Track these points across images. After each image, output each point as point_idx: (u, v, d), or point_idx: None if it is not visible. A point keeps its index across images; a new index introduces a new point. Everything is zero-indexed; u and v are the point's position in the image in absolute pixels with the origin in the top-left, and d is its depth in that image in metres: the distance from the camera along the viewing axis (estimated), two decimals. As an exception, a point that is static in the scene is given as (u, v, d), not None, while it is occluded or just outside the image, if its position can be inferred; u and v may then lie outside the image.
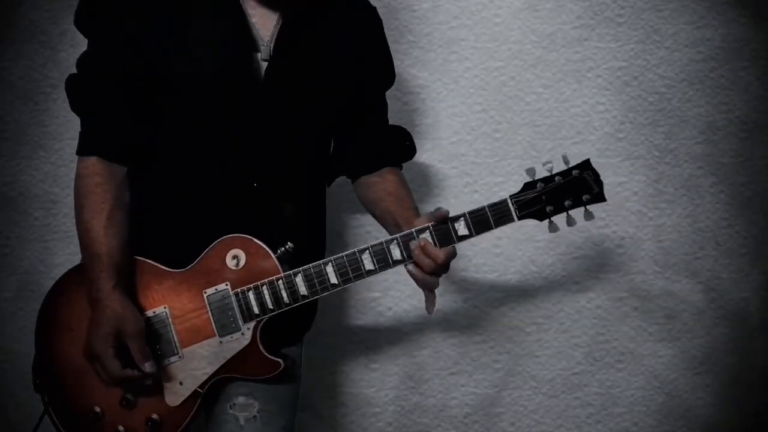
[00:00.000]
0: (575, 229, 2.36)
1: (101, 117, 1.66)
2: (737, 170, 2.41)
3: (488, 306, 2.41)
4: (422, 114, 2.35)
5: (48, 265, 2.28)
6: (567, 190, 1.62)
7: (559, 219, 1.64)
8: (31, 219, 2.30)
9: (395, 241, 1.63)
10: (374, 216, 1.87)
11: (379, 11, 2.15)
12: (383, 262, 1.64)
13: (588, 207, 1.64)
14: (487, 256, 2.39)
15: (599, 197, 1.64)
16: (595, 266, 2.41)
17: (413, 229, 1.63)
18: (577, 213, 1.64)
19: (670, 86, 2.37)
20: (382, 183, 1.84)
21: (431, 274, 1.63)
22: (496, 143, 2.36)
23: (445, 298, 2.39)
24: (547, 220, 1.64)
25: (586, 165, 1.64)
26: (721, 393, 2.46)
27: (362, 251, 1.64)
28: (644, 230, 2.41)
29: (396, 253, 1.63)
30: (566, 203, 1.63)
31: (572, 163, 1.63)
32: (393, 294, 2.38)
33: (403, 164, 1.93)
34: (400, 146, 1.91)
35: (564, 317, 2.42)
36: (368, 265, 1.63)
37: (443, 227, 1.62)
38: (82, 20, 1.70)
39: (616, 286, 2.42)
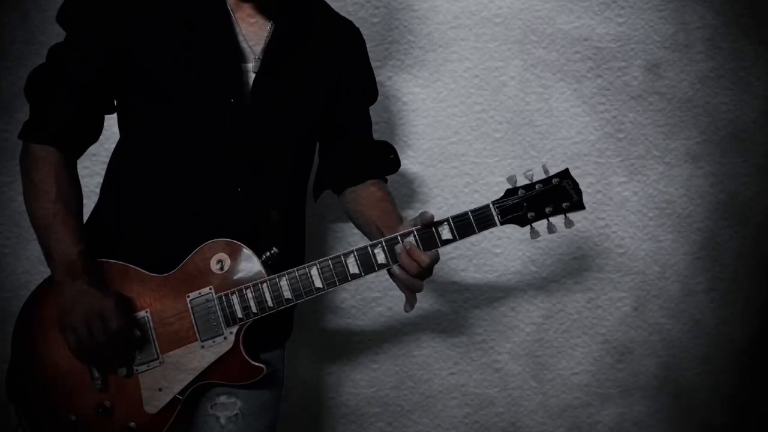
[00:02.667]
0: (575, 229, 2.37)
1: (63, 109, 1.65)
2: (737, 170, 2.41)
3: (488, 306, 2.41)
4: (422, 114, 2.35)
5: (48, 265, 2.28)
6: (547, 197, 1.65)
7: (541, 226, 1.65)
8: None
9: (380, 244, 1.63)
10: (358, 227, 1.87)
11: (379, 11, 2.15)
12: (368, 265, 1.64)
13: (568, 215, 1.66)
14: (487, 256, 2.39)
15: (578, 206, 1.66)
16: (595, 266, 2.41)
17: (398, 234, 1.63)
18: (558, 221, 1.66)
19: (670, 86, 2.37)
20: (365, 194, 1.84)
21: (416, 277, 1.64)
22: (496, 143, 2.36)
23: (445, 298, 2.40)
24: (529, 226, 1.66)
25: (565, 174, 1.66)
26: (721, 393, 2.47)
27: (347, 254, 1.63)
28: (644, 230, 2.41)
29: (380, 256, 1.63)
30: (547, 210, 1.65)
31: (552, 172, 1.66)
32: (393, 294, 2.38)
33: (388, 177, 1.92)
34: (383, 159, 1.91)
35: (564, 317, 2.42)
36: (353, 268, 1.63)
37: (427, 231, 1.62)
38: (66, 17, 1.68)
39: (616, 286, 2.42)
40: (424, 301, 2.38)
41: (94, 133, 1.72)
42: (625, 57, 2.34)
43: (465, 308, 2.40)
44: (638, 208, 2.39)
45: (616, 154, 2.37)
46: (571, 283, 2.40)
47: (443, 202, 2.35)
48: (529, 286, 2.40)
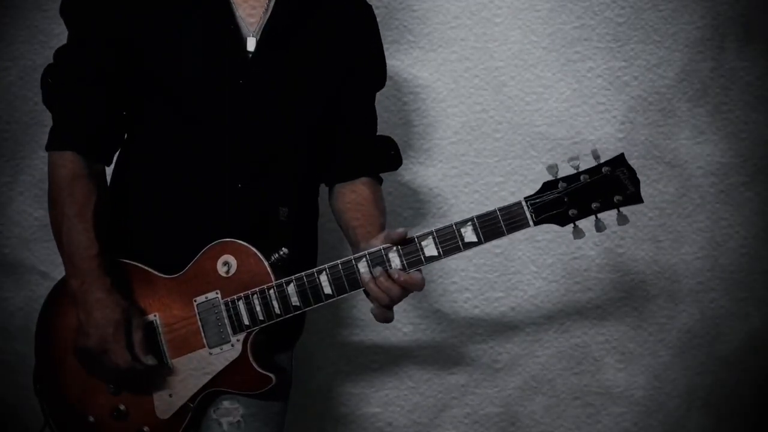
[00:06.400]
0: (575, 229, 2.37)
1: (78, 112, 1.61)
2: (737, 170, 2.41)
3: (488, 306, 2.41)
4: (422, 114, 2.34)
5: (48, 265, 2.27)
6: (595, 190, 1.43)
7: (586, 223, 1.45)
8: (31, 219, 2.29)
9: (394, 249, 1.49)
10: (340, 228, 1.76)
11: (379, 11, 2.14)
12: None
13: (621, 209, 1.44)
14: (487, 256, 2.38)
15: (635, 198, 1.44)
16: (595, 266, 2.41)
17: (381, 247, 1.48)
18: (609, 216, 1.46)
19: (670, 86, 2.37)
20: (351, 193, 1.74)
21: (386, 306, 1.50)
22: (496, 143, 2.36)
23: (445, 298, 2.39)
24: (571, 224, 1.45)
25: (619, 161, 1.45)
26: (721, 393, 2.46)
27: (359, 259, 1.51)
28: (644, 231, 2.41)
29: (396, 262, 1.49)
30: (593, 206, 1.43)
31: (603, 159, 1.44)
32: (393, 294, 2.37)
33: (392, 172, 1.84)
34: (381, 155, 1.79)
35: (564, 317, 2.42)
36: (366, 274, 1.50)
37: (442, 236, 1.47)
38: (68, 10, 1.67)
39: (616, 286, 2.42)
40: (425, 301, 2.38)
41: (114, 133, 1.67)
42: (625, 57, 2.34)
43: (465, 308, 2.39)
44: (638, 208, 2.38)
45: (616, 154, 2.36)
46: (571, 283, 2.40)
47: (443, 202, 2.35)
48: (530, 287, 2.40)
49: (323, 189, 1.84)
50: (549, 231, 2.37)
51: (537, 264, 2.40)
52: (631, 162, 2.42)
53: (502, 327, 2.41)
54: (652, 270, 2.42)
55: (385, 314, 1.53)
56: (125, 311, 1.57)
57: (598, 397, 2.44)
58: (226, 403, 1.66)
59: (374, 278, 1.49)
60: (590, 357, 2.43)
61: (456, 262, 2.37)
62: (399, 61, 2.31)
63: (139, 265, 1.64)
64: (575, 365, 2.43)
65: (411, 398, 2.41)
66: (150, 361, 1.57)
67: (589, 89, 2.35)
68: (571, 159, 1.43)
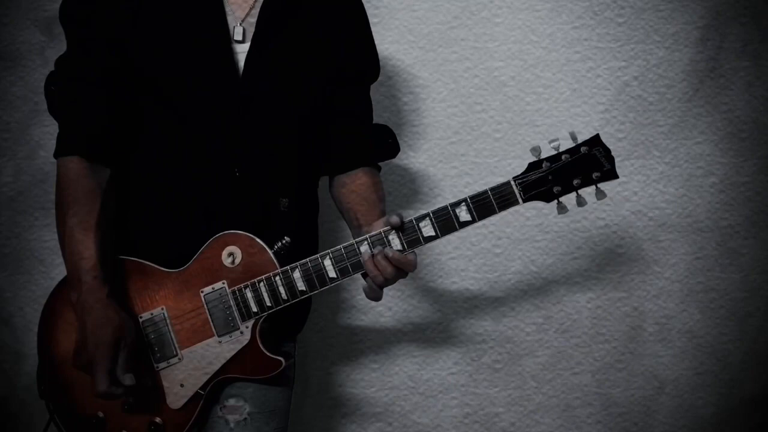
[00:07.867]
0: (575, 229, 2.37)
1: (82, 116, 1.63)
2: (737, 170, 2.41)
3: (488, 306, 2.41)
4: (422, 114, 2.35)
5: (48, 265, 2.28)
6: (575, 168, 1.53)
7: (569, 200, 1.55)
8: (31, 219, 2.29)
9: (394, 231, 1.57)
10: (343, 216, 1.83)
11: (379, 11, 2.14)
12: None
13: (599, 185, 1.55)
14: (487, 256, 2.39)
15: (611, 174, 1.55)
16: (595, 266, 2.41)
17: (381, 230, 1.56)
18: (588, 192, 1.56)
19: (670, 86, 2.37)
20: (352, 182, 1.79)
21: (380, 286, 1.58)
22: (496, 143, 2.36)
23: (445, 297, 2.39)
24: (555, 201, 1.55)
25: (595, 141, 1.55)
26: (721, 393, 2.46)
27: (360, 242, 1.59)
28: (644, 230, 2.41)
29: (396, 243, 1.58)
30: (575, 182, 1.54)
31: (580, 140, 1.55)
32: (393, 294, 2.37)
33: (389, 161, 1.87)
34: (379, 144, 1.85)
35: (564, 317, 2.42)
36: (365, 254, 1.58)
37: (442, 216, 1.56)
38: (65, 15, 1.69)
39: (616, 286, 2.42)
40: (425, 301, 2.38)
41: (116, 134, 1.67)
42: (625, 57, 2.34)
43: (465, 308, 2.39)
44: (638, 208, 2.39)
45: (616, 154, 2.32)
46: (571, 283, 2.40)
47: (443, 202, 2.33)
48: (529, 286, 2.40)
49: (323, 181, 1.87)
50: (549, 231, 2.37)
51: (537, 264, 2.40)
52: (632, 161, 2.43)
53: (502, 327, 2.41)
54: (652, 270, 2.42)
55: (375, 293, 1.60)
56: (116, 329, 1.58)
57: (597, 397, 2.44)
58: (231, 401, 1.69)
59: (372, 256, 1.56)
60: (590, 357, 2.43)
61: (456, 261, 2.37)
62: (399, 61, 2.31)
63: (143, 261, 1.67)
64: (575, 365, 2.43)
65: (411, 398, 2.41)
66: (127, 381, 1.58)
67: (589, 89, 2.35)
68: (552, 140, 1.53)
